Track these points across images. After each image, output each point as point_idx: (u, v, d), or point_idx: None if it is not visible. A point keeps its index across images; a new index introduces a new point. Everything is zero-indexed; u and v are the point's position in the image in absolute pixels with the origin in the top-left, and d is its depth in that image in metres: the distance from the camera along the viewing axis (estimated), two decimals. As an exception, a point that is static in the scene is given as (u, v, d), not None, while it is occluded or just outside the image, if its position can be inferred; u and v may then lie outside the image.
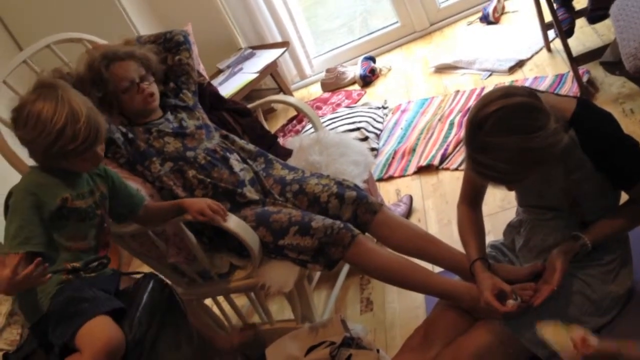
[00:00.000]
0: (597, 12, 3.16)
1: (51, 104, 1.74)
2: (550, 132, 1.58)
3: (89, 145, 1.78)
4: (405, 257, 2.12)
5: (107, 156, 2.14)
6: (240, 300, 2.55)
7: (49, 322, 1.74)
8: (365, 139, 3.60)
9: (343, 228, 2.05)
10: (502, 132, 1.58)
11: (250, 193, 2.24)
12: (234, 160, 2.30)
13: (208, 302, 2.46)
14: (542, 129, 1.57)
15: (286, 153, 2.60)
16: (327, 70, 4.65)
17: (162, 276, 2.05)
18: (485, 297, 1.79)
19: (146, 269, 2.28)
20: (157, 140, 2.26)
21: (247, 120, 2.69)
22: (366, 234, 2.19)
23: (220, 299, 2.40)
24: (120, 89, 2.25)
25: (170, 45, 2.48)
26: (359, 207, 2.19)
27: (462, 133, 1.87)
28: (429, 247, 2.16)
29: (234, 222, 2.05)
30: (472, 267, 1.89)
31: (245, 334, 2.28)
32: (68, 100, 1.76)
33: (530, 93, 1.63)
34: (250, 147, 2.43)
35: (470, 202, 1.99)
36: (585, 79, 3.09)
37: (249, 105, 2.78)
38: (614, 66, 2.21)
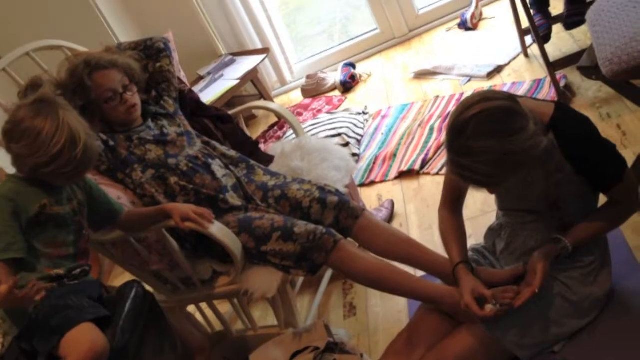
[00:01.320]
0: (573, 18, 3.21)
1: (52, 124, 1.71)
2: (530, 134, 1.60)
3: (81, 172, 1.79)
4: (388, 261, 2.13)
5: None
6: (223, 307, 2.55)
7: (34, 330, 1.72)
8: (347, 144, 3.61)
9: (325, 233, 2.06)
10: (482, 136, 1.59)
11: (233, 199, 2.23)
12: (216, 166, 2.30)
13: (191, 309, 2.45)
14: (522, 132, 1.59)
15: (268, 159, 2.60)
16: (308, 77, 4.66)
17: (144, 283, 2.04)
18: (465, 301, 1.81)
19: (128, 276, 2.27)
20: (138, 148, 2.25)
21: (228, 127, 2.68)
22: (348, 239, 2.19)
23: (203, 305, 2.39)
24: (103, 98, 2.23)
25: (151, 52, 2.47)
26: (341, 212, 2.20)
27: (443, 138, 1.88)
28: (411, 252, 2.16)
29: (216, 229, 2.04)
30: (454, 271, 1.90)
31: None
32: (68, 123, 1.73)
33: (509, 97, 1.65)
34: (232, 153, 2.43)
35: (451, 206, 2.00)
36: (562, 83, 3.14)
37: (230, 112, 2.78)
38: (591, 71, 2.24)
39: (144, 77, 2.39)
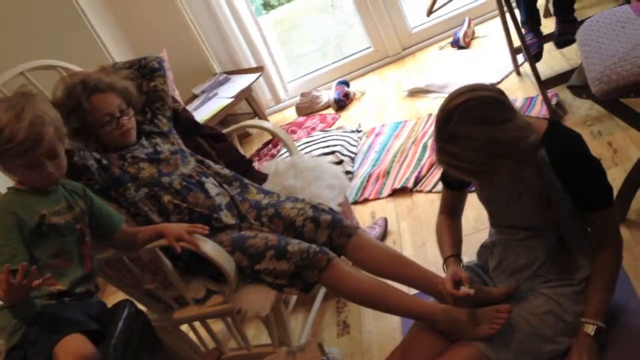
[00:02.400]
0: (564, 37, 3.25)
1: (2, 105, 1.77)
2: (517, 126, 1.62)
3: (26, 150, 1.77)
4: (381, 279, 2.13)
5: (81, 183, 2.13)
6: (217, 326, 2.54)
7: (28, 340, 1.73)
8: (340, 162, 3.62)
9: (319, 252, 2.06)
10: (470, 123, 1.61)
11: (227, 218, 2.24)
12: (210, 184, 2.30)
13: (184, 327, 2.45)
14: (509, 122, 1.62)
15: (261, 177, 2.61)
16: (302, 95, 4.68)
17: (137, 302, 2.04)
18: (443, 280, 1.90)
19: (121, 295, 2.27)
20: (131, 166, 2.25)
21: (222, 145, 2.69)
22: (342, 257, 2.20)
23: (197, 324, 2.38)
24: (100, 122, 2.23)
25: (145, 71, 2.48)
26: (334, 231, 2.21)
27: (432, 128, 1.91)
28: (404, 270, 2.17)
29: (210, 247, 2.05)
30: (445, 264, 1.96)
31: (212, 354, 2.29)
32: (22, 106, 1.77)
33: (497, 89, 1.68)
34: (226, 171, 2.44)
35: (449, 213, 2.07)
36: (554, 101, 3.16)
37: (224, 130, 2.79)
38: (581, 90, 2.26)
39: (140, 100, 2.39)
